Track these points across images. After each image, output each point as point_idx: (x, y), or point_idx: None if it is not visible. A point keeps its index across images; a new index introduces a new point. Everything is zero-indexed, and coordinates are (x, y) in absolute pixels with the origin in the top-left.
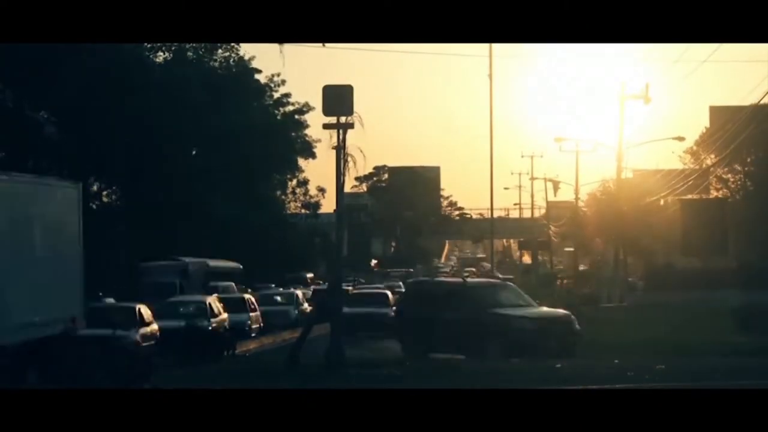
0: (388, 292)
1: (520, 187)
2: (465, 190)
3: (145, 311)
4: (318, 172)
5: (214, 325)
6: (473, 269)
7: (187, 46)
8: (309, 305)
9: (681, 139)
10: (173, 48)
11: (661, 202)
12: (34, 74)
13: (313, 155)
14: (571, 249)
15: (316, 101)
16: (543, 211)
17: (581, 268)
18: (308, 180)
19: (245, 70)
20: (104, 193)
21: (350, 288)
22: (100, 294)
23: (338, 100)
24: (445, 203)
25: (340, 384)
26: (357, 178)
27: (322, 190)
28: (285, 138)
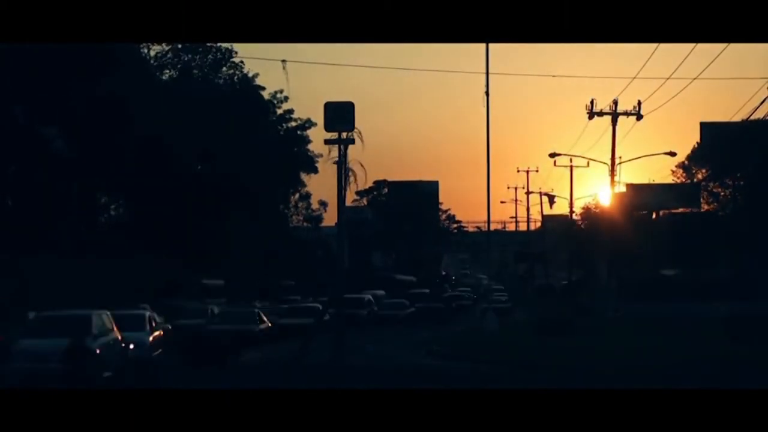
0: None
1: (516, 201)
2: (463, 204)
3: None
4: (320, 185)
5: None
6: None
7: (193, 64)
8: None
9: (673, 154)
10: (179, 66)
11: (654, 215)
12: (44, 91)
13: (315, 170)
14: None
15: (319, 117)
16: (539, 224)
17: (575, 278)
18: (310, 194)
19: (249, 87)
20: (112, 206)
21: None
22: None
23: (339, 116)
24: (443, 217)
25: (341, 385)
26: (358, 192)
27: (323, 203)
28: (288, 153)
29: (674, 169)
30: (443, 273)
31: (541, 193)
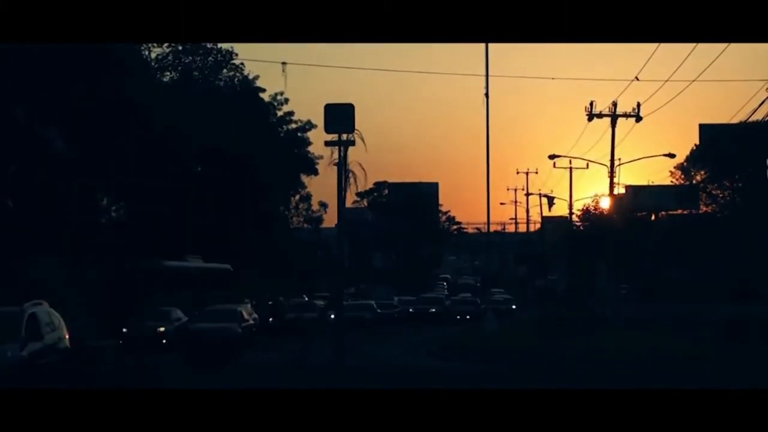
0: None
1: (515, 202)
2: (463, 206)
3: None
4: (320, 187)
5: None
6: None
7: (193, 66)
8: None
9: (672, 156)
10: (180, 68)
11: (653, 216)
12: (44, 91)
13: (315, 171)
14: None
15: (319, 119)
16: (538, 225)
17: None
18: (311, 195)
19: (249, 89)
20: (113, 207)
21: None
22: None
23: (339, 117)
24: (443, 218)
25: (342, 386)
26: (358, 194)
27: (324, 205)
28: (288, 155)
29: (672, 170)
30: (445, 276)
31: (540, 195)
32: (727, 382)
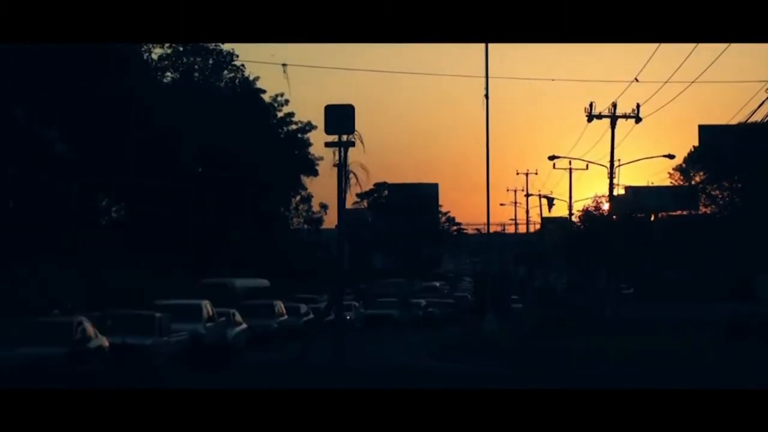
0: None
1: (515, 203)
2: (463, 207)
3: None
4: (320, 188)
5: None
6: None
7: (194, 67)
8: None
9: (671, 156)
10: (180, 69)
11: (652, 217)
12: (44, 91)
13: (315, 173)
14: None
15: (319, 120)
16: (538, 226)
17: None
18: (311, 196)
19: (250, 90)
20: (113, 209)
21: None
22: None
23: (340, 119)
24: (443, 219)
25: (342, 386)
26: (358, 195)
27: (324, 206)
28: (288, 156)
29: (671, 171)
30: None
31: (540, 196)
32: (727, 382)
